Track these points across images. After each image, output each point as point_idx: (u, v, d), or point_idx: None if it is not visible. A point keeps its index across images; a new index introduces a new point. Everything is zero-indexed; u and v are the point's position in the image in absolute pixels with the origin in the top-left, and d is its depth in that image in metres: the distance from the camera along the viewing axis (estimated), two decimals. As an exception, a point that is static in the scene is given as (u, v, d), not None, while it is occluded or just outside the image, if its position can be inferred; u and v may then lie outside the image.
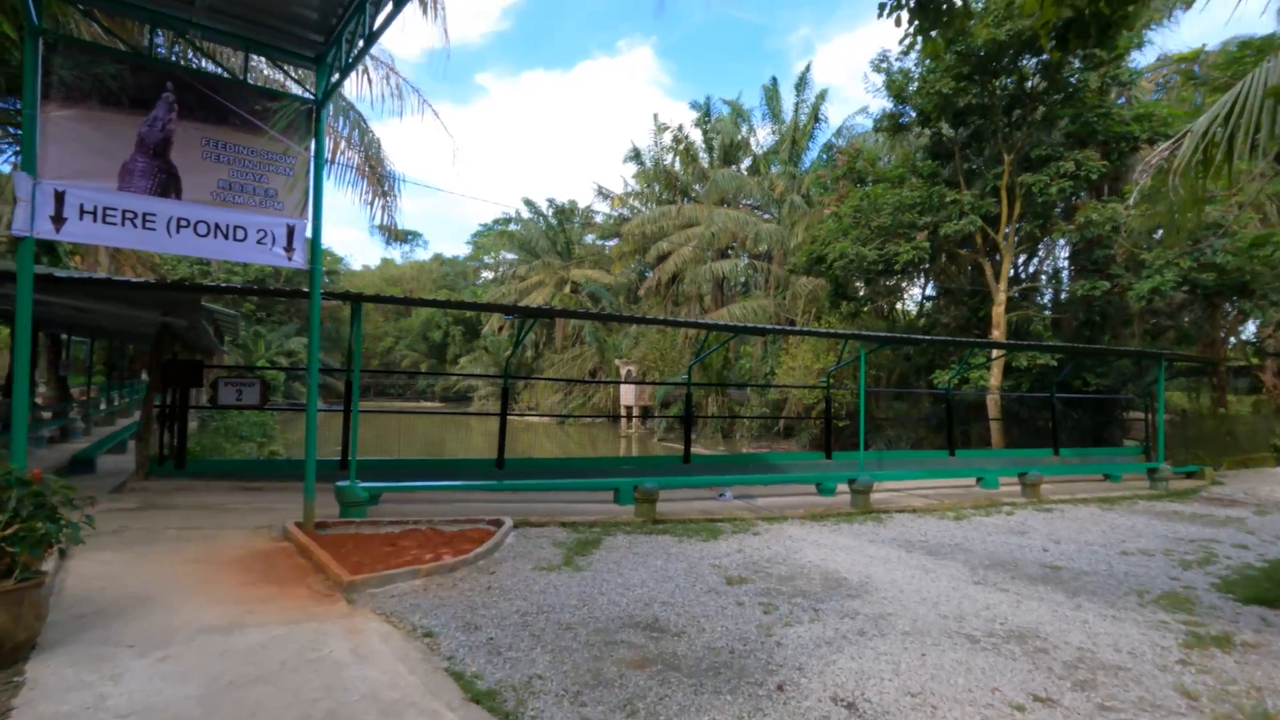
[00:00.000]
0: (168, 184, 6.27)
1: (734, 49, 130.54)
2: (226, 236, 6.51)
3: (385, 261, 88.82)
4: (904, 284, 24.59)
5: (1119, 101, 16.84)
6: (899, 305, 28.32)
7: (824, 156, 33.12)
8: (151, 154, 6.21)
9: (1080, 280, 15.87)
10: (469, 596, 5.37)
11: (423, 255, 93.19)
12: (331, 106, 10.60)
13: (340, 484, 7.51)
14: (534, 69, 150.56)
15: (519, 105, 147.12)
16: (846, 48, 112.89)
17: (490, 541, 6.85)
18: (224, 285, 7.09)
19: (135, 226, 6.05)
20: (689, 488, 10.31)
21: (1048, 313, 18.57)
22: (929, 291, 26.03)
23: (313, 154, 7.03)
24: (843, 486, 11.17)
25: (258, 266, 53.01)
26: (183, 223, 6.28)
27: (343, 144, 10.66)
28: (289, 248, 6.83)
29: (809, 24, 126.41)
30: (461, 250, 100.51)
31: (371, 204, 10.95)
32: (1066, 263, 19.77)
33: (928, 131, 19.32)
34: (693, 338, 34.77)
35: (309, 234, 7.01)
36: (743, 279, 36.88)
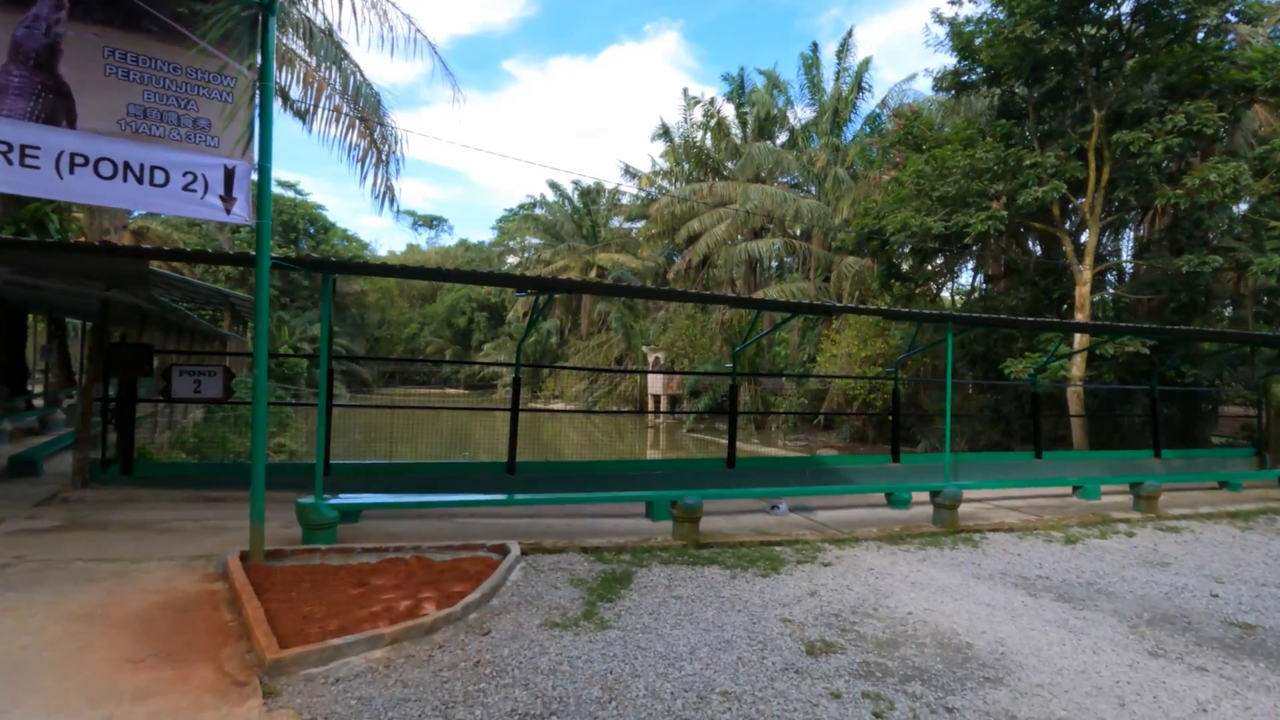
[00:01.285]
0: (56, 107, 4.69)
1: (762, 32, 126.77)
2: (140, 180, 4.92)
3: (410, 248, 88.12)
4: (959, 263, 22.43)
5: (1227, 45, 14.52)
6: (945, 289, 26.14)
7: (868, 129, 30.85)
8: (32, 66, 4.64)
9: (1186, 255, 13.70)
10: (447, 682, 3.75)
11: (448, 241, 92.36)
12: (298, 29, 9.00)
13: (303, 501, 5.95)
14: (561, 55, 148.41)
15: (546, 92, 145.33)
16: (880, 29, 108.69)
17: (488, 583, 5.23)
18: (166, 249, 5.57)
19: (7, 164, 4.48)
20: (737, 499, 8.58)
21: (1132, 295, 16.36)
22: (986, 272, 23.79)
23: (260, 74, 5.40)
24: (918, 496, 9.37)
25: (281, 250, 52.35)
26: (78, 160, 4.71)
27: (327, 90, 9.10)
28: (227, 197, 5.23)
29: (839, 5, 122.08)
30: (487, 236, 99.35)
31: (363, 162, 9.38)
32: (1150, 235, 17.47)
33: (996, 91, 17.15)
34: (728, 322, 32.88)
35: (256, 179, 5.40)
36: (775, 262, 34.85)
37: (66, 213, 11.48)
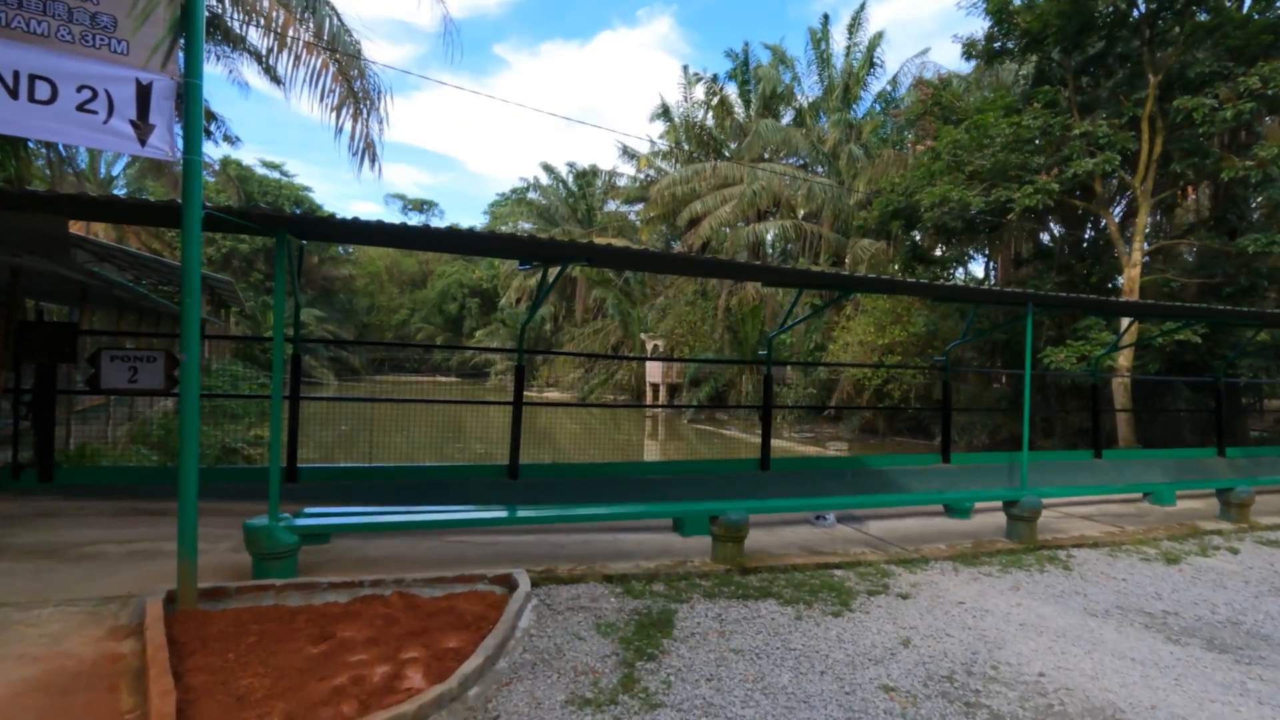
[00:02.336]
0: (-117, -17, 3.34)
1: (757, 18, 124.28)
2: (14, 93, 3.58)
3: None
4: (978, 246, 21.20)
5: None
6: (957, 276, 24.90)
7: (879, 106, 29.53)
8: None
9: (1252, 235, 12.53)
10: (437, 826, 2.49)
11: (438, 225, 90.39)
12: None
13: (253, 523, 4.65)
14: (553, 39, 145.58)
15: (539, 77, 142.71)
16: (877, 15, 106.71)
17: (493, 635, 3.97)
18: (61, 195, 4.21)
19: None
20: (784, 512, 7.34)
21: (1183, 279, 15.19)
22: (1016, 255, 22.58)
23: (186, -41, 4.04)
24: (980, 504, 8.18)
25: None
26: (-83, 60, 3.36)
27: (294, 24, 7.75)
28: (141, 122, 3.89)
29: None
30: (478, 221, 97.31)
31: (338, 112, 8.02)
32: (1198, 213, 16.29)
33: (1032, 59, 15.87)
34: (732, 308, 31.60)
35: (179, 102, 4.06)
36: (777, 247, 33.59)
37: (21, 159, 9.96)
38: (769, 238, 27.64)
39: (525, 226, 72.41)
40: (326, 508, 5.56)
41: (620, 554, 5.95)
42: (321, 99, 8.14)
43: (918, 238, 15.61)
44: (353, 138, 8.32)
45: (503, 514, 5.35)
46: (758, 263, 27.07)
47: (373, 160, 8.47)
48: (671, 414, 35.76)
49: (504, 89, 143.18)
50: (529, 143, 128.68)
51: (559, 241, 5.30)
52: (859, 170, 24.22)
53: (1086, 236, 18.85)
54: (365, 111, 8.39)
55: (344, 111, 8.35)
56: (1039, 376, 20.17)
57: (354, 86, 8.35)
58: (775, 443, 22.40)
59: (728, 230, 31.17)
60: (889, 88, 29.43)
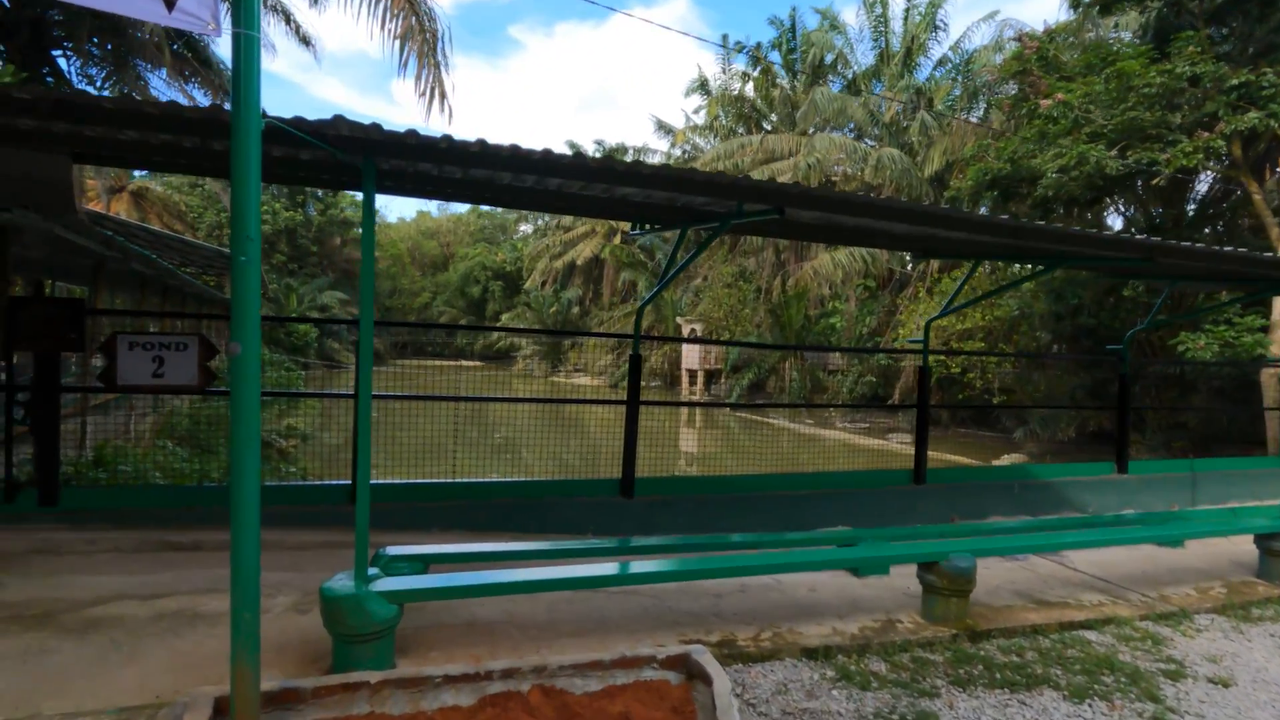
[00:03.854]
0: None
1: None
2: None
3: (421, 214, 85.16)
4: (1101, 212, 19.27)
5: None
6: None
7: (939, 72, 27.52)
8: None
9: None
10: None
11: (460, 207, 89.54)
12: None
13: (335, 589, 3.19)
14: (567, 20, 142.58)
15: (554, 58, 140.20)
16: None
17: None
18: (61, 98, 2.83)
19: None
20: (1015, 554, 5.76)
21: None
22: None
23: None
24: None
25: (288, 215, 49.46)
26: None
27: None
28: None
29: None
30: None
31: (403, 41, 6.54)
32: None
33: (1155, 5, 13.96)
34: (773, 290, 29.92)
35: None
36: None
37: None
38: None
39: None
40: (415, 548, 4.13)
41: (798, 607, 4.47)
42: (383, 25, 6.64)
43: (1028, 210, 13.85)
44: (419, 77, 6.82)
45: (662, 567, 3.85)
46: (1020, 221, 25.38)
47: (442, 99, 6.99)
48: (714, 400, 34.28)
49: (518, 70, 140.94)
50: (546, 125, 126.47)
51: (766, 186, 3.77)
52: (932, 140, 22.33)
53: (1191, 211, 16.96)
54: (430, 45, 6.89)
55: (408, 45, 6.84)
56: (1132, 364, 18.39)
57: (420, 14, 6.82)
58: (830, 434, 20.82)
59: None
60: (951, 53, 27.40)
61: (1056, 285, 16.21)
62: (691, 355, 36.14)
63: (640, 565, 3.76)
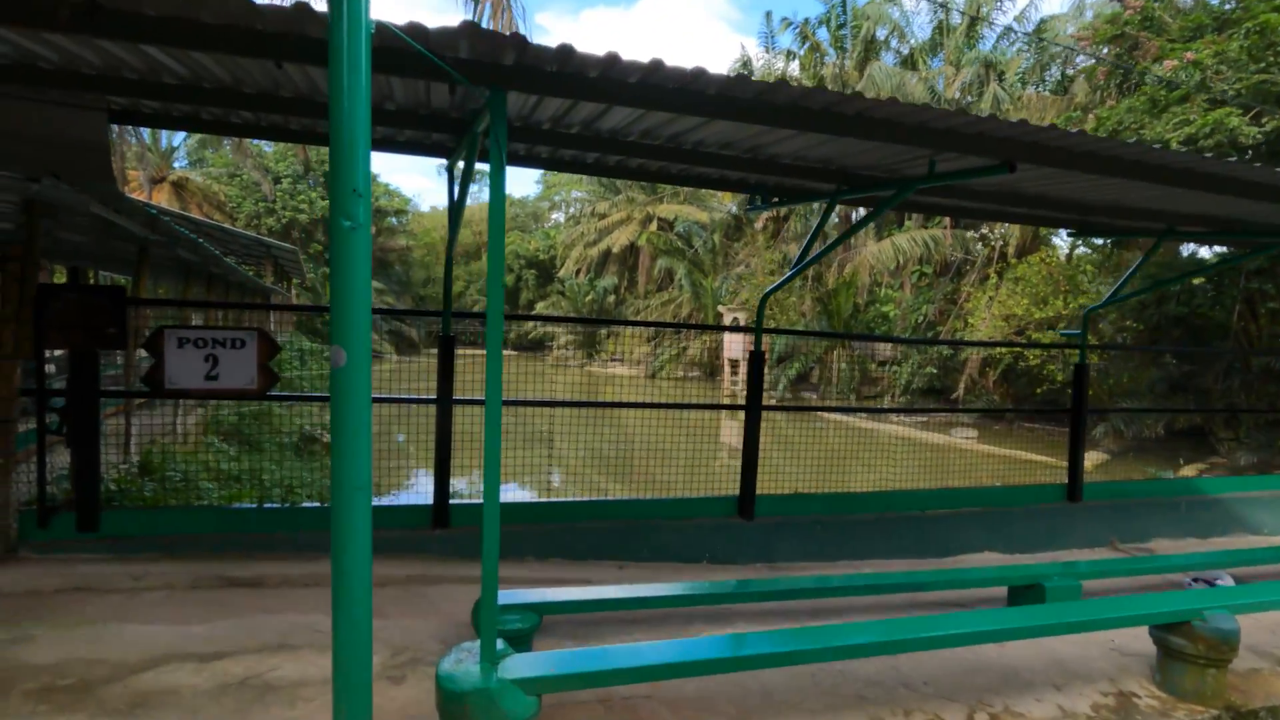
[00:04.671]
0: None
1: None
2: None
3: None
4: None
5: None
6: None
7: (1003, 44, 25.92)
8: None
9: None
10: None
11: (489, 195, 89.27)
12: None
13: (455, 673, 2.37)
14: (594, 7, 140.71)
15: (582, 45, 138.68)
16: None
17: None
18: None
19: None
20: (1137, 574, 4.78)
21: None
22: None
23: None
24: None
25: (324, 203, 49.38)
26: None
27: None
28: None
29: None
30: (531, 190, 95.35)
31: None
32: None
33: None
34: (819, 275, 28.74)
35: None
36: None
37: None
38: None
39: (576, 195, 70.01)
40: (526, 594, 3.32)
41: (995, 672, 3.56)
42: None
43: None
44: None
45: (871, 637, 2.93)
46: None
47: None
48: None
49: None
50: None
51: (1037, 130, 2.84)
52: (1005, 114, 20.87)
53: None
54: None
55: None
56: (1227, 356, 16.94)
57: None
58: (886, 428, 19.65)
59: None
60: (1016, 24, 25.74)
61: (1153, 270, 14.86)
62: (734, 345, 35.07)
63: (843, 636, 2.86)
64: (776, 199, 4.80)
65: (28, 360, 3.83)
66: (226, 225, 27.35)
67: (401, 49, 2.09)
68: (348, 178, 1.74)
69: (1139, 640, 3.85)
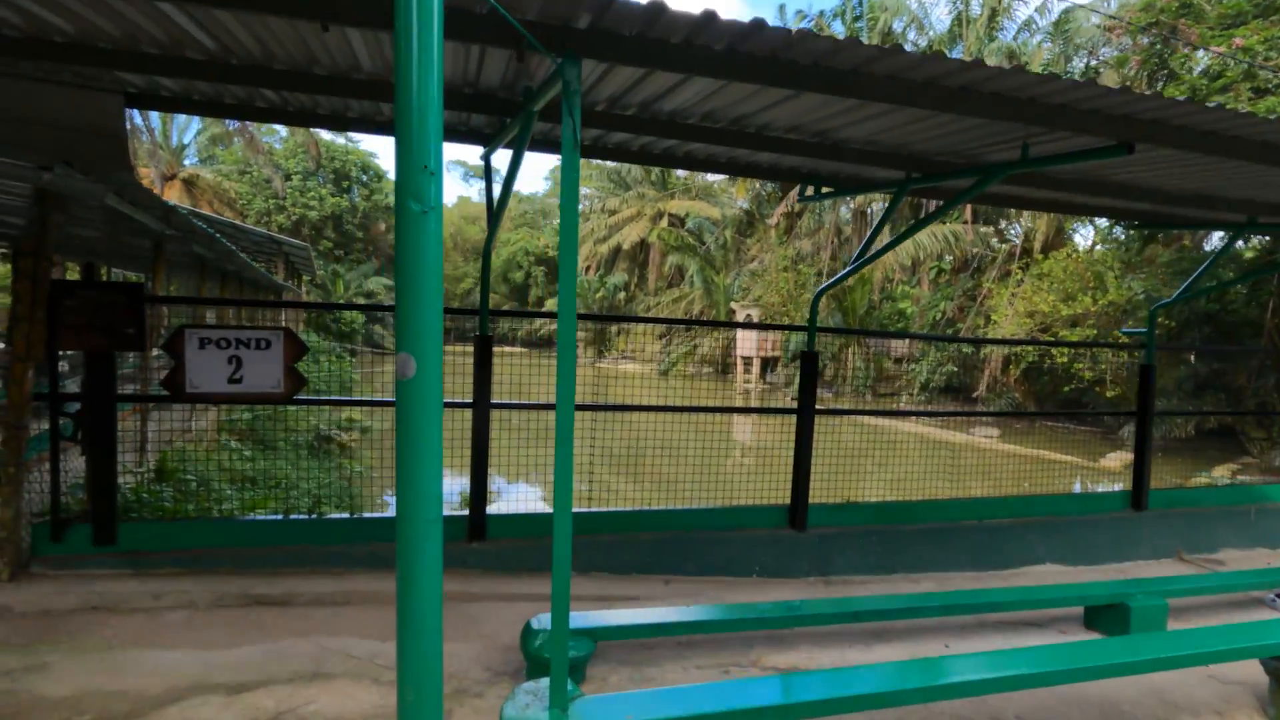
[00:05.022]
0: None
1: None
2: None
3: (461, 199, 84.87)
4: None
5: None
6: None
7: (1025, 35, 25.46)
8: None
9: None
10: None
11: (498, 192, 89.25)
12: None
13: (520, 718, 2.07)
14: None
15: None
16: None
17: None
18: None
19: None
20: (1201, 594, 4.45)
21: None
22: None
23: None
24: None
25: (334, 200, 49.28)
26: None
27: None
28: None
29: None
30: (539, 187, 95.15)
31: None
32: None
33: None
34: (834, 271, 28.29)
35: None
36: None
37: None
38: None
39: (584, 191, 69.52)
40: (580, 618, 3.03)
41: (1097, 706, 3.26)
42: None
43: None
44: None
45: (984, 673, 2.62)
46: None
47: None
48: (765, 390, 32.98)
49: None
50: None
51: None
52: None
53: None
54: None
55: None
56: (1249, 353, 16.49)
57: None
58: (904, 426, 19.27)
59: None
60: (1037, 15, 25.26)
61: (1187, 265, 14.47)
62: (747, 341, 34.69)
63: (951, 671, 2.56)
64: (832, 189, 4.49)
65: (40, 363, 3.57)
66: (238, 222, 27.20)
67: (467, 9, 1.80)
68: (418, 153, 1.46)
69: (1237, 666, 3.55)
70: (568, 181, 2.03)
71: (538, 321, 56.02)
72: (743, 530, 4.63)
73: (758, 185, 36.74)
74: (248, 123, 24.66)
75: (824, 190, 4.58)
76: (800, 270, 32.53)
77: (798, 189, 4.56)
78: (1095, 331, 16.48)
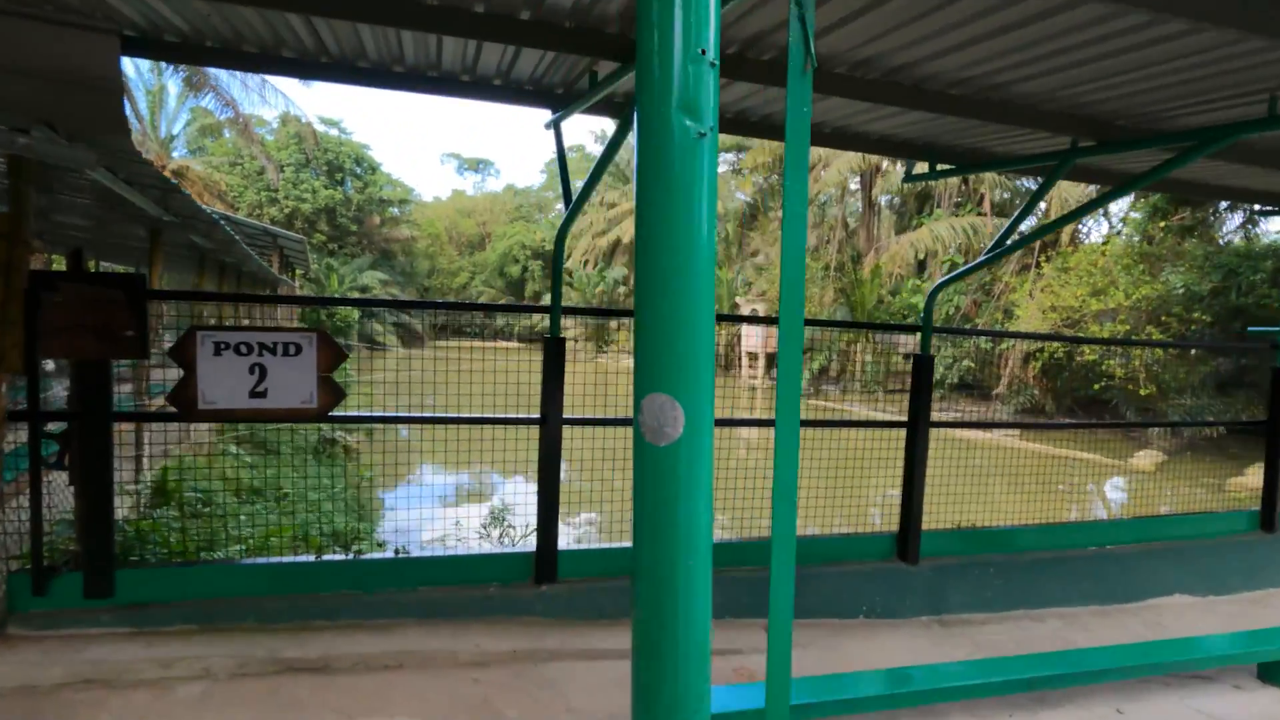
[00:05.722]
0: None
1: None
2: None
3: (456, 193, 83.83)
4: None
5: None
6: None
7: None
8: None
9: None
10: None
11: (494, 185, 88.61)
12: None
13: None
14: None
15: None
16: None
17: None
18: None
19: None
20: None
21: None
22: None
23: None
24: None
25: (327, 192, 48.22)
26: None
27: None
28: None
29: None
30: (535, 180, 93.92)
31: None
32: None
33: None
34: (843, 265, 27.83)
35: None
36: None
37: None
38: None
39: (577, 184, 68.56)
40: (740, 693, 2.37)
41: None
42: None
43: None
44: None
45: None
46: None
47: None
48: (771, 387, 32.33)
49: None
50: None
51: None
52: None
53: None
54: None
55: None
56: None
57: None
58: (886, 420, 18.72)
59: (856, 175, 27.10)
60: None
61: (1226, 260, 13.93)
62: (752, 337, 34.08)
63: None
64: (952, 166, 3.82)
65: (18, 372, 2.87)
66: (231, 214, 26.32)
67: None
68: (689, 32, 0.78)
69: None
70: (795, 118, 1.35)
71: (535, 317, 55.26)
72: (848, 563, 3.98)
73: (761, 179, 36.07)
74: (242, 110, 23.66)
75: (940, 168, 3.91)
76: (807, 265, 31.90)
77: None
78: (1129, 326, 15.92)
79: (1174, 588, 4.65)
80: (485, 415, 3.47)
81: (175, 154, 42.79)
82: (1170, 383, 17.30)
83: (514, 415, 3.49)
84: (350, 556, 3.43)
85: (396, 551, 3.41)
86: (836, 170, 24.93)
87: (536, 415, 3.47)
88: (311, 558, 3.32)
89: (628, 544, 3.64)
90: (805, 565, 3.92)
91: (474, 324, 67.31)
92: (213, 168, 45.25)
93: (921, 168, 4.03)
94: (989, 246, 3.78)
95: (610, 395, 3.96)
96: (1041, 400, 21.61)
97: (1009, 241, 3.71)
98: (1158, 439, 18.54)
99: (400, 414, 3.39)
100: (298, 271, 39.76)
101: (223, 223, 6.96)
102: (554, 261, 3.82)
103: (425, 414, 3.40)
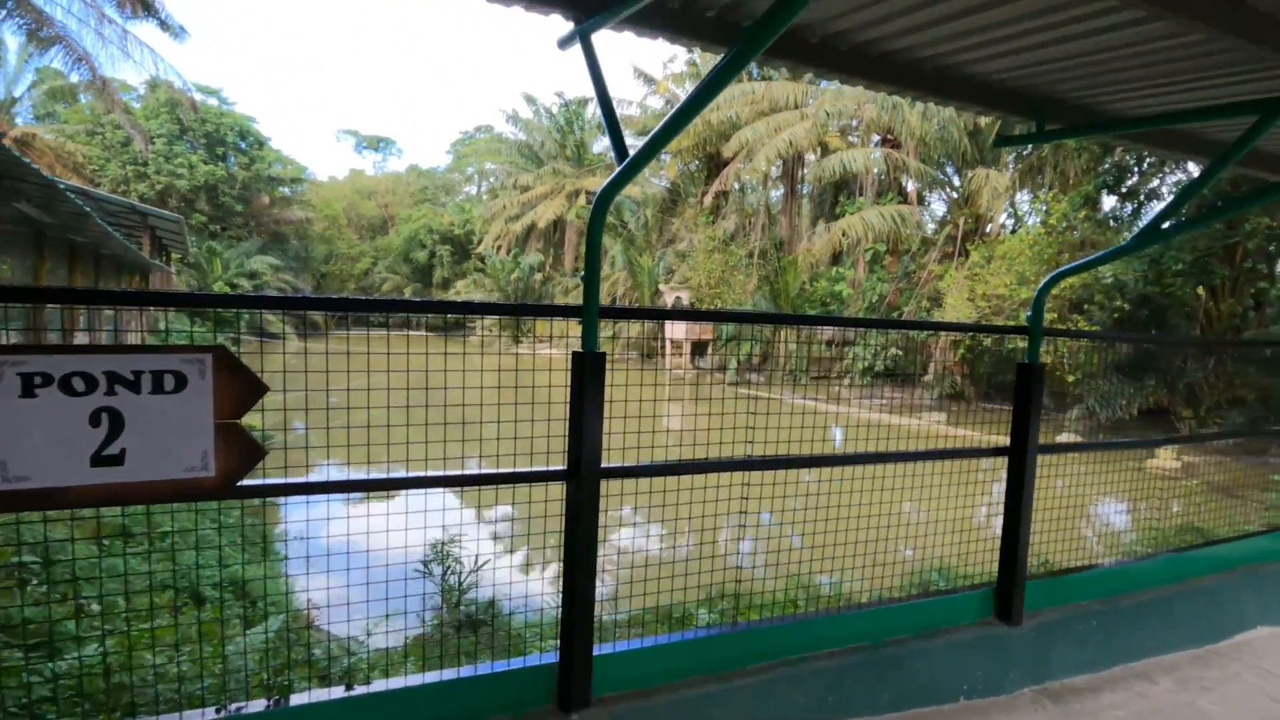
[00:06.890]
0: None
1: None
2: None
3: (355, 173, 78.72)
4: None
5: None
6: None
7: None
8: None
9: None
10: None
11: (396, 165, 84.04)
12: None
13: None
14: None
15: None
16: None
17: None
18: None
19: None
20: None
21: None
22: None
23: None
24: None
25: (207, 168, 43.44)
26: None
27: None
28: None
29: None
30: (441, 160, 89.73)
31: None
32: None
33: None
34: (766, 253, 27.69)
35: None
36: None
37: None
38: (861, 167, 23.27)
39: (489, 167, 65.82)
40: None
41: None
42: None
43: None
44: None
45: None
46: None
47: None
48: (702, 374, 31.88)
49: (475, 22, 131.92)
50: (505, 77, 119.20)
51: None
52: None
53: None
54: None
55: None
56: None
57: None
58: (849, 412, 18.66)
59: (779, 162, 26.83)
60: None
61: (1151, 250, 14.36)
62: (678, 326, 33.51)
63: None
64: (1061, 126, 2.99)
65: None
66: (88, 189, 22.86)
67: None
68: None
69: None
70: None
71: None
72: (942, 632, 3.11)
73: (696, 162, 35.43)
74: (100, 70, 20.22)
75: (1049, 129, 3.08)
76: (731, 250, 31.49)
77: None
78: (1055, 315, 16.27)
79: (1254, 620, 4.11)
80: (487, 471, 2.31)
81: (19, 120, 37.16)
82: (1087, 368, 17.97)
83: (526, 469, 2.34)
84: (272, 706, 2.18)
85: (348, 687, 2.20)
86: (764, 158, 24.50)
87: (559, 467, 2.35)
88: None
89: (670, 641, 2.56)
90: (893, 640, 3.02)
91: (381, 316, 63.62)
92: (66, 136, 39.59)
93: (1021, 130, 3.19)
94: (1135, 234, 2.99)
95: (610, 403, 2.67)
96: (962, 386, 22.19)
97: (1164, 225, 2.94)
98: (1070, 424, 19.32)
99: (357, 477, 2.15)
100: (174, 255, 35.55)
101: (70, 194, 5.27)
102: (588, 248, 2.61)
103: (398, 475, 2.19)
